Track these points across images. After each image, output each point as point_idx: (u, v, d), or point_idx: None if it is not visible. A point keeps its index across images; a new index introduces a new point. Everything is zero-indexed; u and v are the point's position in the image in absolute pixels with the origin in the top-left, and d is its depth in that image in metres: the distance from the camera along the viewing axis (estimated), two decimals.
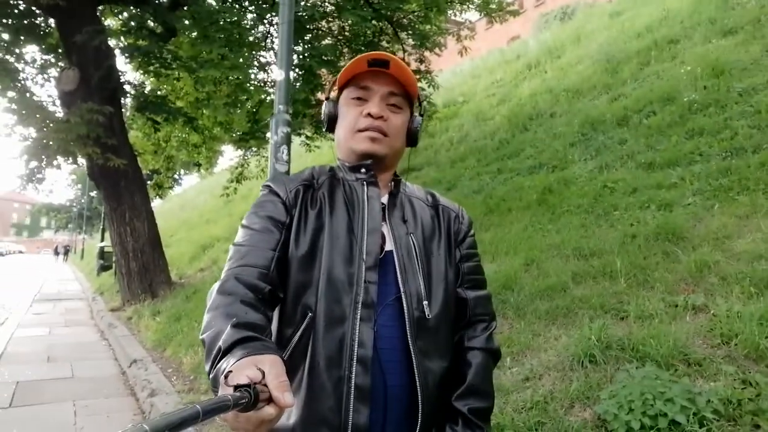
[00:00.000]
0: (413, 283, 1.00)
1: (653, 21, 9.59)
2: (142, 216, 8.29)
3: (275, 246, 0.98)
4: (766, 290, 2.84)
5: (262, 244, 0.97)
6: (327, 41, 8.69)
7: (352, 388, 0.91)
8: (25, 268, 26.13)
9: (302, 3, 7.49)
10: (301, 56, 8.17)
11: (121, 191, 8.13)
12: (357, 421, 0.90)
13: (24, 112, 7.41)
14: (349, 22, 7.73)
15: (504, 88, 11.72)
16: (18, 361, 5.32)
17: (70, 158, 7.75)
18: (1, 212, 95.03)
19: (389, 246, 1.03)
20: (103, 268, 14.78)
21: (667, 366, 2.46)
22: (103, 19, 8.92)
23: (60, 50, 8.33)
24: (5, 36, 7.91)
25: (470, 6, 9.26)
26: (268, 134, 4.14)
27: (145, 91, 9.71)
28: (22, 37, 8.06)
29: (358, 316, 0.94)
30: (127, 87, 9.06)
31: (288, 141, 3.70)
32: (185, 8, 7.37)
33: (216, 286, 0.91)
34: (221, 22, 7.10)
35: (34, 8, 7.62)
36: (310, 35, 8.51)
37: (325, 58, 7.57)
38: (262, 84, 9.39)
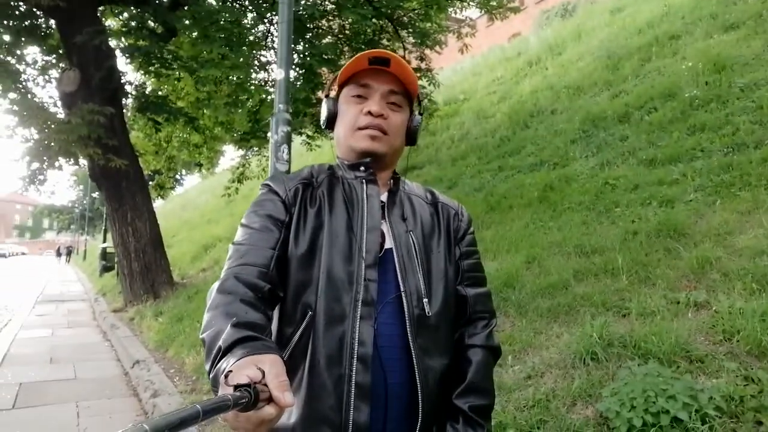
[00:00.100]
0: (413, 281, 1.00)
1: (654, 17, 9.57)
2: (143, 216, 8.30)
3: (275, 245, 0.97)
4: None
5: (261, 242, 0.97)
6: (327, 40, 8.68)
7: (353, 387, 0.91)
8: (27, 270, 26.22)
9: (302, 2, 7.47)
10: (301, 55, 8.18)
11: (123, 192, 8.14)
12: (357, 419, 0.90)
13: (25, 113, 7.42)
14: (350, 20, 7.71)
15: (505, 85, 11.70)
16: (21, 363, 5.34)
17: (72, 159, 7.77)
18: (3, 214, 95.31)
19: (389, 244, 1.02)
20: (106, 269, 14.78)
21: (669, 363, 2.46)
22: (103, 19, 8.94)
23: (61, 51, 8.36)
24: (6, 37, 7.93)
25: (471, 3, 9.23)
26: (269, 134, 4.15)
27: (146, 92, 9.74)
28: (23, 39, 8.08)
29: (358, 315, 0.94)
30: (127, 87, 9.09)
31: (288, 140, 3.71)
32: (185, 8, 7.37)
33: (216, 285, 0.91)
34: (221, 22, 7.11)
35: (34, 10, 7.63)
36: (311, 34, 8.50)
37: (326, 57, 7.57)
38: (263, 83, 9.39)
